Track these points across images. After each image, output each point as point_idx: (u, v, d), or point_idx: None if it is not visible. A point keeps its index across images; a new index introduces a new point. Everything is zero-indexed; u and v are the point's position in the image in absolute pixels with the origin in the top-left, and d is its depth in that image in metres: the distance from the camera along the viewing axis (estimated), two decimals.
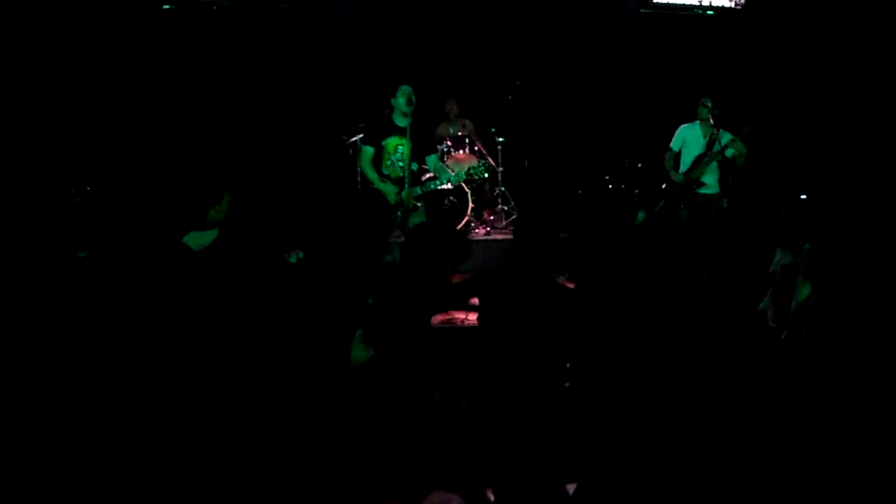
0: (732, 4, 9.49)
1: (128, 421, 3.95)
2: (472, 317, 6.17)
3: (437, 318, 6.07)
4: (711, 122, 7.00)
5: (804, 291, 4.78)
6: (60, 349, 4.44)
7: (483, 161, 6.98)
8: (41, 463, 3.69)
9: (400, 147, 6.28)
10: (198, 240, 4.70)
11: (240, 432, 3.83)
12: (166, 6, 8.94)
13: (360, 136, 7.66)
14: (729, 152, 6.93)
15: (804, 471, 3.63)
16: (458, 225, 8.31)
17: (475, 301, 5.68)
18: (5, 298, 4.96)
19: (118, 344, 4.41)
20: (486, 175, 7.03)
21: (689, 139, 7.30)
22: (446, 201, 8.43)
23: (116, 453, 3.72)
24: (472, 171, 6.67)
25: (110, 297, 4.70)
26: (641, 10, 9.45)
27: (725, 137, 6.93)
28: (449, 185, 7.44)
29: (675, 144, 7.40)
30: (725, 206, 7.34)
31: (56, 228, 6.86)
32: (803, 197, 7.59)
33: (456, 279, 5.67)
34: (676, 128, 7.39)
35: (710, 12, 9.49)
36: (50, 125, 8.21)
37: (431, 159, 6.50)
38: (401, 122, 6.26)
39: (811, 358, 3.99)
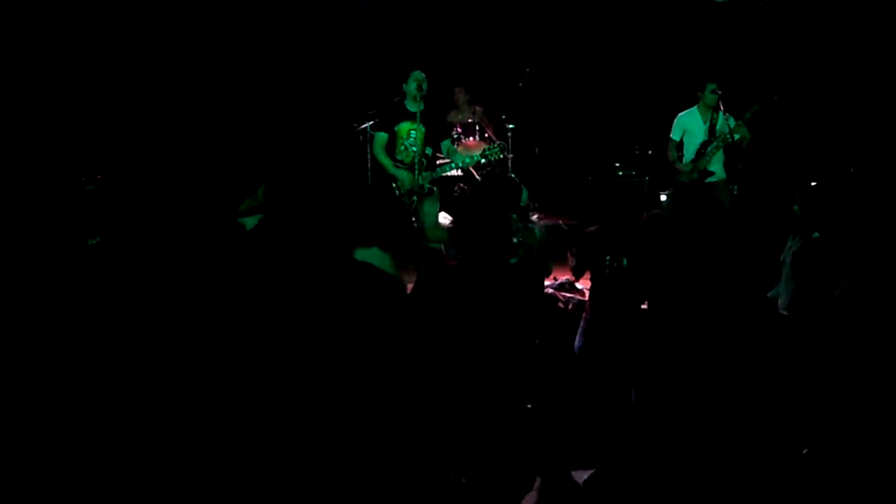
0: None
1: (138, 413, 3.96)
2: None
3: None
4: (722, 106, 6.93)
5: (814, 278, 4.77)
6: (69, 338, 4.46)
7: (499, 142, 6.96)
8: (44, 452, 3.71)
9: (413, 132, 6.30)
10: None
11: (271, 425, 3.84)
12: None
13: (371, 123, 7.67)
14: (736, 136, 6.87)
15: (816, 460, 3.65)
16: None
17: None
18: (15, 287, 4.98)
19: (128, 334, 4.43)
20: (502, 156, 7.02)
21: (689, 127, 7.20)
22: (456, 188, 8.43)
23: (123, 448, 3.74)
24: (487, 153, 6.61)
25: (127, 285, 4.71)
26: None
27: (731, 121, 6.87)
28: (458, 172, 7.44)
29: (675, 134, 7.30)
30: (736, 192, 7.30)
31: (66, 216, 6.88)
32: (814, 184, 7.56)
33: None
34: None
35: None
36: (61, 112, 8.22)
37: (445, 144, 6.52)
38: (413, 107, 6.28)
39: (825, 347, 3.99)
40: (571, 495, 3.83)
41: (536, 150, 9.00)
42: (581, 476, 3.98)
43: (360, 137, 8.09)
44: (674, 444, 3.95)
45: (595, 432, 4.21)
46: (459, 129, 8.50)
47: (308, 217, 6.24)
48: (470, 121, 8.60)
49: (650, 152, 8.84)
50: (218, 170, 7.88)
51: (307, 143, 9.13)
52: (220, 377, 4.04)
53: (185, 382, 4.10)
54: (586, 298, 5.00)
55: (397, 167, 6.30)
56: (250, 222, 4.66)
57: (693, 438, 3.96)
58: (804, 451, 3.70)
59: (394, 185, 6.34)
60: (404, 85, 6.29)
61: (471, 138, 8.49)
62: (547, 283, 6.04)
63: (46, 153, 7.87)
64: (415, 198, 6.31)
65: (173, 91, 8.85)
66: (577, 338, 4.66)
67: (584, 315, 4.71)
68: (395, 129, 6.33)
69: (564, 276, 6.30)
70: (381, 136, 6.37)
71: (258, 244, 4.56)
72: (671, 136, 7.31)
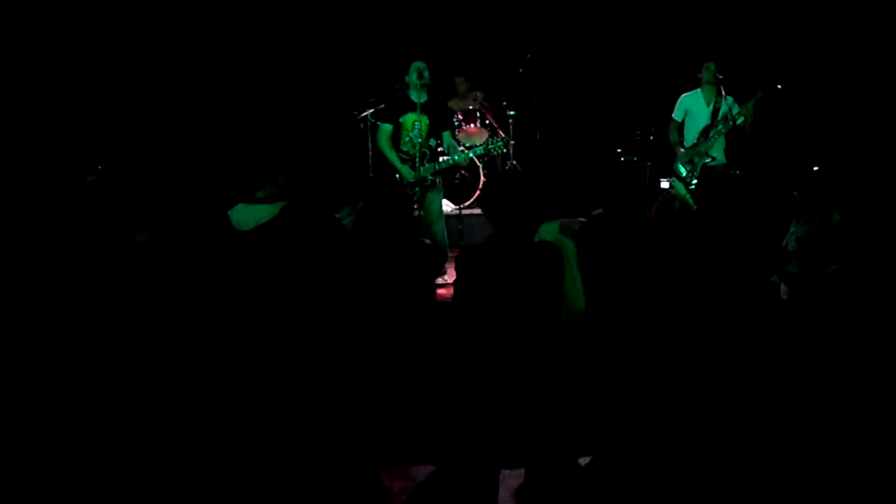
0: None
1: (140, 404, 3.97)
2: None
3: None
4: (722, 89, 6.89)
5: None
6: (68, 330, 4.46)
7: (504, 137, 7.01)
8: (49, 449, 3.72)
9: (417, 123, 6.30)
10: (252, 214, 4.60)
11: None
12: None
13: (371, 111, 7.66)
14: (739, 120, 6.83)
15: (819, 447, 3.65)
16: (468, 200, 8.34)
17: None
18: (13, 278, 4.98)
19: (129, 325, 4.43)
20: (506, 150, 7.03)
21: (692, 108, 7.15)
22: (457, 175, 8.45)
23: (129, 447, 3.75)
24: (490, 147, 6.65)
25: (128, 277, 4.70)
26: None
27: (734, 108, 6.83)
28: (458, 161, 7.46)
29: (677, 114, 7.25)
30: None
31: (68, 207, 6.88)
32: (816, 169, 7.53)
33: None
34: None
35: None
36: (61, 102, 8.21)
37: (447, 136, 6.52)
38: (416, 97, 6.27)
39: (827, 332, 3.99)
40: (574, 483, 3.84)
41: (538, 136, 8.99)
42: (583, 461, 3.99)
43: (361, 125, 8.08)
44: (675, 431, 3.96)
45: (596, 420, 4.21)
46: (460, 116, 8.51)
47: (329, 204, 6.26)
48: (471, 108, 8.61)
49: (652, 138, 8.82)
50: (219, 159, 7.88)
51: (308, 131, 9.11)
52: (227, 370, 4.05)
53: (190, 373, 4.11)
54: None
55: (401, 158, 6.32)
56: (269, 209, 4.56)
57: (695, 424, 3.96)
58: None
59: (397, 175, 6.35)
60: (406, 77, 6.30)
61: (472, 125, 8.51)
62: None
63: (47, 143, 7.87)
64: (417, 189, 6.32)
65: (176, 80, 8.83)
66: None
67: None
68: (401, 120, 6.33)
69: None
70: (386, 128, 6.37)
71: (282, 231, 4.51)
72: (673, 115, 7.26)
